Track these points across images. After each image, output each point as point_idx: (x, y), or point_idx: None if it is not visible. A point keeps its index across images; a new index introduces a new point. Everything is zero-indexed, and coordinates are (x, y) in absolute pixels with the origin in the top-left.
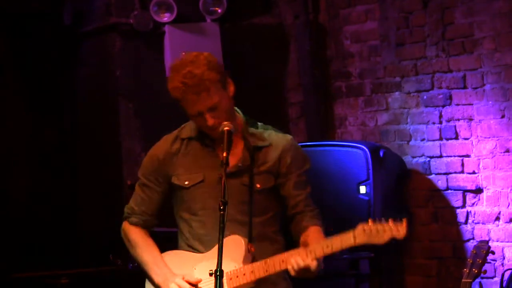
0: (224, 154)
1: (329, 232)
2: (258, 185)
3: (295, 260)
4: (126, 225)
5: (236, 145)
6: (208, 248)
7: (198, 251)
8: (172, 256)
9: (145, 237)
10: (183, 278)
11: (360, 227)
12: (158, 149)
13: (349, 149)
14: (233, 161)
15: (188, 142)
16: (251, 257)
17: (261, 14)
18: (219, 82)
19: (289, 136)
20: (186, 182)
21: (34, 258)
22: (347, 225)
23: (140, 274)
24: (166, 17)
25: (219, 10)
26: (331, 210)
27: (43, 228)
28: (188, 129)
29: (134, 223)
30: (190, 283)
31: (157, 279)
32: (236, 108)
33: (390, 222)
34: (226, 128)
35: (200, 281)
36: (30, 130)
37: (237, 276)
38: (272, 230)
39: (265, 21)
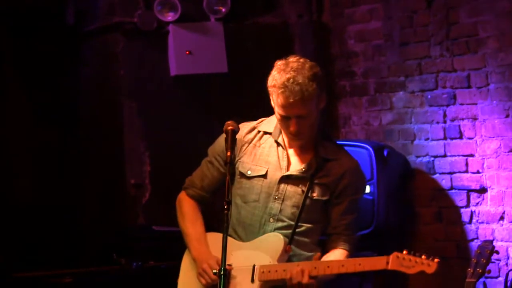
0: (228, 154)
1: None
2: (314, 194)
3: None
4: (182, 195)
5: (306, 152)
6: (249, 237)
7: (239, 236)
8: (215, 237)
9: (196, 211)
10: (217, 262)
11: (394, 254)
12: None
13: (353, 148)
14: (298, 165)
15: (263, 135)
16: (287, 256)
17: (265, 13)
18: (316, 96)
19: (356, 161)
20: (249, 172)
21: (37, 257)
22: None
23: (143, 273)
24: (170, 16)
25: (223, 10)
26: None
27: (46, 227)
28: (267, 123)
29: (190, 195)
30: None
31: (194, 253)
32: (322, 128)
33: (424, 257)
34: (230, 128)
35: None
36: (33, 129)
37: (269, 271)
38: (313, 240)
39: (269, 21)
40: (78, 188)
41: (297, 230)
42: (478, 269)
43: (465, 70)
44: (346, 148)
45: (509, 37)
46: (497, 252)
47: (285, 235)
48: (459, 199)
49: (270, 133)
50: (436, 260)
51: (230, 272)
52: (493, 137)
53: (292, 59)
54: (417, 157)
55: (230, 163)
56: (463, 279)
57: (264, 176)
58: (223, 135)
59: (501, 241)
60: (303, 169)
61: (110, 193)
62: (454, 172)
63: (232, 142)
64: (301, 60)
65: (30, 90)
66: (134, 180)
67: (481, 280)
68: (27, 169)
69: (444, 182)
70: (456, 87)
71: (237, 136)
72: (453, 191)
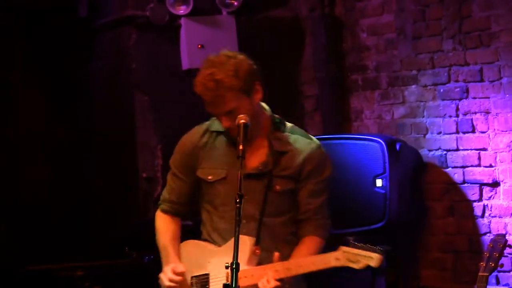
0: (240, 147)
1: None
2: (277, 187)
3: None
4: (157, 212)
5: (260, 148)
6: (224, 241)
7: (216, 243)
8: (191, 246)
9: (167, 223)
10: (172, 269)
11: (341, 249)
12: (187, 141)
13: (365, 142)
14: (255, 162)
15: (216, 135)
16: (257, 259)
17: (277, 7)
18: (240, 90)
19: (315, 143)
20: (210, 177)
21: (50, 251)
22: (363, 218)
23: (155, 267)
24: (182, 10)
25: (235, 3)
26: (347, 203)
27: (59, 220)
28: (218, 122)
29: (164, 210)
30: (176, 273)
31: (162, 263)
32: (266, 109)
33: (367, 249)
34: (242, 121)
35: (183, 271)
36: (46, 123)
37: (240, 278)
38: (289, 232)
39: (281, 14)
40: (90, 181)
41: (271, 226)
42: (490, 263)
43: (477, 64)
44: (358, 142)
45: None
46: (510, 246)
47: (257, 234)
48: (472, 193)
49: (222, 133)
50: (378, 250)
51: (208, 281)
52: (506, 131)
53: (219, 54)
54: (430, 151)
55: (189, 171)
56: (476, 273)
57: (225, 178)
58: (179, 144)
59: None
60: (261, 167)
61: (122, 186)
62: (467, 166)
63: (244, 136)
64: (229, 54)
65: (43, 84)
66: (146, 174)
67: (494, 274)
68: (41, 162)
69: (457, 176)
70: (469, 80)
71: (192, 143)
72: (466, 185)
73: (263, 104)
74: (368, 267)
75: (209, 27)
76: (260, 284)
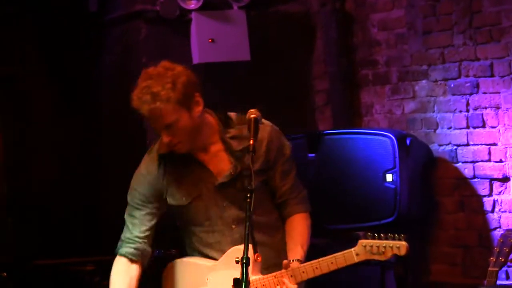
0: (251, 142)
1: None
2: (253, 183)
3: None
4: (115, 261)
5: (219, 153)
6: (220, 254)
7: (211, 257)
8: (183, 266)
9: (124, 274)
10: None
11: (360, 244)
12: (147, 173)
13: (376, 137)
14: (222, 170)
15: (169, 157)
16: (259, 266)
17: (288, 1)
18: (178, 102)
19: (267, 126)
20: (184, 199)
21: (59, 245)
22: (373, 213)
23: (165, 261)
24: (192, 4)
25: None
26: (357, 198)
27: (68, 215)
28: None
29: (125, 253)
30: None
31: None
32: (211, 114)
33: (391, 239)
34: (252, 116)
35: None
36: (56, 118)
37: None
38: (275, 218)
39: (291, 9)
40: (100, 176)
41: (255, 221)
42: (500, 258)
43: (488, 59)
44: (368, 137)
45: None
46: None
47: (254, 233)
48: (482, 188)
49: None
50: (403, 237)
51: None
52: None
53: (157, 66)
54: (440, 146)
55: (155, 201)
56: (485, 268)
57: (200, 195)
58: (138, 179)
59: None
60: (232, 171)
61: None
62: (477, 161)
63: (255, 130)
64: (166, 65)
65: (52, 79)
66: None
67: (504, 269)
68: (49, 157)
69: (467, 171)
70: (479, 75)
71: (151, 174)
72: (476, 180)
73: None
74: (394, 256)
75: (220, 21)
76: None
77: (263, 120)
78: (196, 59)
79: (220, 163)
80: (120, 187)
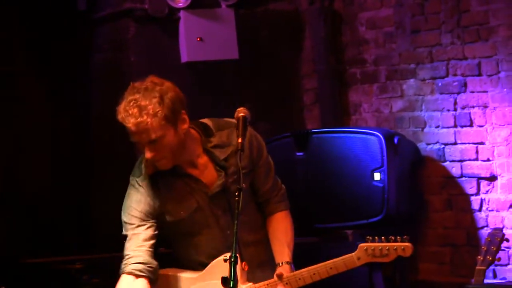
0: (239, 140)
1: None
2: (243, 185)
3: None
4: (120, 280)
5: (207, 165)
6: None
7: (206, 265)
8: (164, 279)
9: None
10: None
11: (361, 247)
12: (142, 196)
13: (364, 135)
14: (211, 181)
15: (160, 176)
16: (246, 275)
17: (277, 0)
18: (165, 118)
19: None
20: (182, 213)
21: (48, 244)
22: (361, 212)
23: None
24: (181, 3)
25: None
26: (345, 197)
27: (57, 213)
28: (150, 162)
29: (129, 270)
30: None
31: None
32: (192, 127)
33: (393, 241)
34: (241, 114)
35: None
36: (45, 116)
37: None
38: (259, 216)
39: (280, 7)
40: (90, 174)
41: (244, 222)
42: (488, 257)
43: (475, 58)
44: (356, 135)
45: None
46: (507, 240)
47: (246, 237)
48: (469, 187)
49: (160, 172)
50: (406, 239)
51: None
52: (504, 125)
53: (145, 80)
54: (428, 144)
55: (154, 216)
56: (473, 267)
57: (198, 207)
58: (130, 202)
59: (511, 229)
60: (219, 183)
61: (121, 179)
62: (464, 160)
63: (243, 129)
64: (155, 81)
65: (41, 77)
66: None
67: (491, 267)
68: (40, 155)
69: (454, 170)
70: (467, 74)
71: (145, 195)
72: (463, 179)
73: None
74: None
75: (208, 20)
76: None
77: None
78: (184, 58)
79: (210, 174)
80: (110, 186)
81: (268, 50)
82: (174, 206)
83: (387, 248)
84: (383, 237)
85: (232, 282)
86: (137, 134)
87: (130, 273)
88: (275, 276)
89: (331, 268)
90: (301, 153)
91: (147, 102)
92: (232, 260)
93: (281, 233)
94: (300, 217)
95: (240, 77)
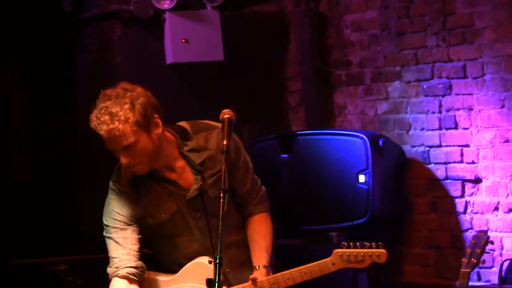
0: (225, 142)
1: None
2: (223, 187)
3: None
4: (112, 282)
5: (184, 169)
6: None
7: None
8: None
9: None
10: None
11: (335, 253)
12: (124, 201)
13: (348, 138)
14: (189, 185)
15: (139, 181)
16: (223, 278)
17: (262, 2)
18: (137, 124)
19: (217, 128)
20: (163, 215)
21: (32, 245)
22: (345, 214)
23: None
24: (166, 4)
25: None
26: (330, 199)
27: (42, 214)
28: (127, 169)
29: (123, 274)
30: None
31: None
32: (168, 130)
33: (368, 247)
34: (226, 116)
35: None
36: (30, 116)
37: None
38: (239, 217)
39: (265, 9)
40: (74, 174)
41: (230, 223)
42: (472, 259)
43: (461, 61)
44: (341, 137)
45: (505, 28)
46: (492, 243)
47: (228, 240)
48: (454, 189)
49: (141, 176)
50: (381, 245)
51: None
52: (489, 128)
53: (116, 87)
54: (413, 147)
55: (136, 219)
56: (458, 269)
57: (177, 209)
58: (111, 205)
59: (496, 231)
60: (198, 186)
61: (106, 179)
62: (449, 162)
63: (228, 131)
64: (126, 87)
65: (27, 77)
66: None
67: (475, 270)
68: (22, 157)
69: (439, 172)
70: (452, 77)
71: (125, 200)
72: (448, 181)
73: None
74: (373, 264)
75: (194, 21)
76: None
77: (213, 123)
78: (169, 59)
79: (187, 177)
80: (95, 186)
81: (254, 52)
82: (154, 209)
83: (362, 254)
84: (358, 243)
85: (217, 284)
86: (110, 141)
87: (124, 277)
88: (250, 280)
89: (305, 273)
90: (286, 155)
91: (118, 109)
92: (217, 262)
93: (260, 236)
94: (285, 218)
95: (225, 79)
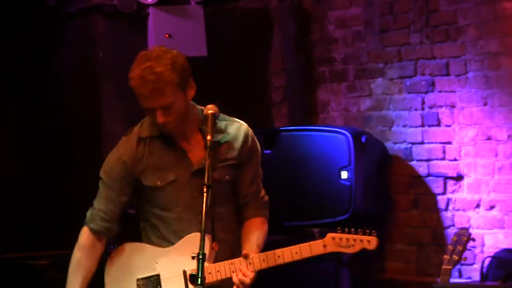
0: (208, 138)
1: (311, 215)
2: (227, 177)
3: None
4: (83, 233)
5: (198, 142)
6: None
7: (173, 244)
8: (132, 248)
9: (93, 250)
10: None
11: (329, 236)
12: (124, 153)
13: (331, 134)
14: (198, 157)
15: (150, 140)
16: (214, 254)
17: None
18: (177, 84)
19: (245, 125)
20: (158, 182)
21: (14, 239)
22: (328, 210)
23: None
24: None
25: None
26: (312, 195)
27: (23, 209)
28: (148, 126)
29: (95, 230)
30: None
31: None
32: (195, 105)
33: (360, 234)
34: (210, 112)
35: None
36: (12, 111)
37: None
38: (237, 220)
39: (249, 5)
40: (55, 170)
41: (220, 216)
42: (454, 256)
43: (444, 58)
44: (324, 134)
45: (488, 25)
46: (473, 240)
47: (221, 227)
48: (436, 186)
49: (156, 136)
50: (374, 233)
51: (160, 282)
52: (471, 125)
53: (151, 49)
54: (395, 143)
55: (128, 184)
56: (439, 266)
57: (174, 181)
58: (115, 158)
59: (477, 228)
60: (204, 161)
61: (87, 175)
62: (431, 159)
63: (212, 126)
64: (163, 49)
65: (9, 72)
66: None
67: (457, 267)
68: (6, 150)
69: (421, 169)
70: (435, 74)
71: (130, 156)
72: (430, 178)
73: None
74: (363, 251)
75: (177, 16)
76: (236, 279)
77: (240, 121)
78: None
79: (199, 152)
80: (75, 181)
81: (237, 48)
82: (153, 172)
83: (353, 239)
84: (352, 229)
85: (199, 279)
86: (151, 99)
87: (97, 232)
88: (242, 255)
89: (296, 252)
90: (269, 151)
91: (163, 69)
92: (200, 257)
93: (255, 236)
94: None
95: (208, 74)
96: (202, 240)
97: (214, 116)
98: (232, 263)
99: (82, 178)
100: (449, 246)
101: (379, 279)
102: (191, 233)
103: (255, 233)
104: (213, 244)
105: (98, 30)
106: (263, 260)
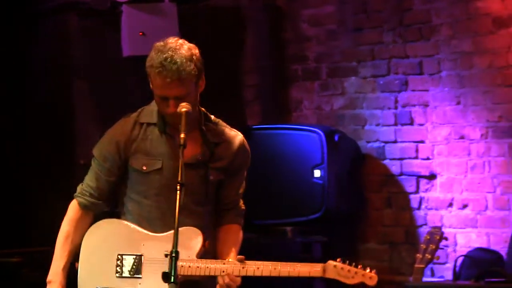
0: (182, 136)
1: (283, 214)
2: (211, 177)
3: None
4: (72, 206)
5: (194, 139)
6: (158, 231)
7: (146, 231)
8: (121, 225)
9: (80, 224)
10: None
11: (330, 263)
12: (118, 134)
13: (304, 132)
14: (192, 152)
15: (147, 127)
16: (203, 252)
17: None
18: (195, 76)
19: (240, 135)
20: (144, 168)
21: None
22: (300, 208)
23: None
24: None
25: None
26: (285, 194)
27: None
28: (147, 113)
29: (83, 204)
30: None
31: (50, 271)
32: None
33: (360, 268)
34: (184, 110)
35: None
36: None
37: (189, 266)
38: (213, 221)
39: (222, 3)
40: (27, 167)
41: (205, 215)
42: (427, 255)
43: (417, 57)
44: (297, 132)
45: (461, 25)
46: (446, 239)
47: (195, 224)
48: (409, 185)
49: (154, 124)
50: (374, 272)
51: (141, 263)
52: (444, 124)
53: (170, 40)
54: (368, 142)
55: (118, 164)
56: (412, 265)
57: (160, 169)
58: (110, 136)
59: (450, 227)
60: (199, 157)
61: (59, 173)
62: (404, 158)
63: (185, 124)
64: (180, 41)
65: None
66: (83, 161)
67: (429, 266)
68: None
69: (394, 168)
70: (408, 73)
71: (124, 136)
72: (403, 177)
73: None
74: (360, 284)
75: (151, 14)
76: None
77: (235, 130)
78: (126, 52)
79: (193, 148)
80: (48, 178)
81: (210, 46)
82: (142, 156)
83: (355, 271)
84: (353, 263)
85: (172, 277)
86: (169, 89)
87: (85, 207)
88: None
89: (294, 269)
90: None
91: (184, 60)
92: (174, 255)
93: (232, 242)
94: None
95: None
96: (176, 239)
97: (188, 114)
98: (224, 263)
99: (55, 177)
100: (421, 245)
101: None
102: (165, 223)
103: (233, 239)
104: (206, 243)
105: (71, 27)
106: (258, 268)
